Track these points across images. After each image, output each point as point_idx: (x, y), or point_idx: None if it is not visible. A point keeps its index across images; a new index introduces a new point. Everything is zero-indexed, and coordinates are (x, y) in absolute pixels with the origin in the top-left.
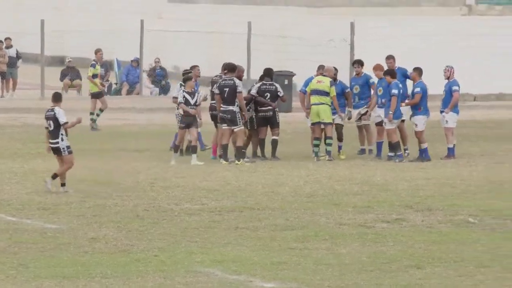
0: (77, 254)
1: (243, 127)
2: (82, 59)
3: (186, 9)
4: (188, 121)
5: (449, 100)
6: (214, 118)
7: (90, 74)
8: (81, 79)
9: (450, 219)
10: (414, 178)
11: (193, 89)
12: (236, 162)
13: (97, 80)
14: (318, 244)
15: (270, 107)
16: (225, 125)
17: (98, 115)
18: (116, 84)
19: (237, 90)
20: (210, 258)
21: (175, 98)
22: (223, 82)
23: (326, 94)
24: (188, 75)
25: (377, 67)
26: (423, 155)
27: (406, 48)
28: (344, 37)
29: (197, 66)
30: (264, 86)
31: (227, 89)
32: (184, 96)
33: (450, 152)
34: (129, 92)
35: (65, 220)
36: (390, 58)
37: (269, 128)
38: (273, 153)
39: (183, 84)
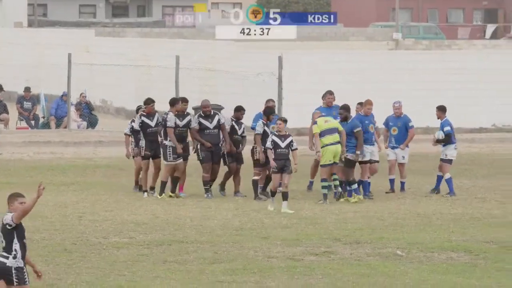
0: None
1: (180, 161)
2: (8, 92)
3: (113, 42)
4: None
5: (404, 136)
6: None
7: None
8: (8, 113)
9: (378, 252)
10: (342, 211)
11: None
12: (157, 196)
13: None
14: (247, 277)
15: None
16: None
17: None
18: (43, 117)
19: (167, 125)
20: None
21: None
22: (164, 116)
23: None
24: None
25: (369, 102)
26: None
27: (334, 82)
28: (273, 71)
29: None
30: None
31: (163, 124)
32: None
33: (403, 186)
34: (57, 126)
35: None
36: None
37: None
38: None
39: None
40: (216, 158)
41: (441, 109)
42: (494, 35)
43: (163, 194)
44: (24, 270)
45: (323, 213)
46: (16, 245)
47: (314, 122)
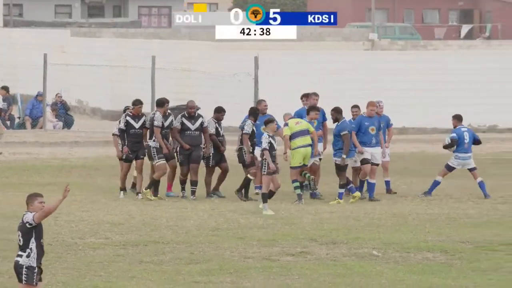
0: None
1: (162, 162)
2: None
3: (89, 43)
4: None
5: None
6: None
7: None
8: None
9: (354, 252)
10: (319, 211)
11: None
12: (144, 192)
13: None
14: (223, 278)
15: (238, 147)
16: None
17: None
18: (19, 118)
19: (154, 124)
20: None
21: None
22: (152, 115)
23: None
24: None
25: (371, 104)
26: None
27: (311, 82)
28: (249, 71)
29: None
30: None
31: (149, 123)
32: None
33: (388, 186)
34: (33, 126)
35: None
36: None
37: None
38: (244, 193)
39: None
40: (195, 159)
41: (456, 118)
42: (470, 36)
43: (154, 197)
44: (35, 270)
45: (299, 214)
46: (32, 244)
47: (285, 124)
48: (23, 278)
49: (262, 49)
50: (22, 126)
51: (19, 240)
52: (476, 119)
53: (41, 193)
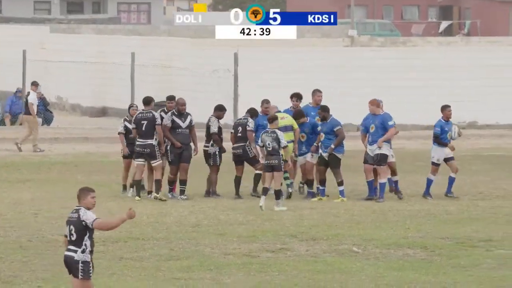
0: None
1: (161, 161)
2: None
3: (69, 39)
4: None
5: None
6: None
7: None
8: None
9: (334, 248)
10: (299, 207)
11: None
12: (155, 195)
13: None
14: (203, 274)
15: (239, 144)
16: (141, 160)
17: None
18: None
19: (156, 123)
20: None
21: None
22: (140, 115)
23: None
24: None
25: (373, 102)
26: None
27: (290, 79)
28: (228, 68)
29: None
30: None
31: (145, 122)
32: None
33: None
34: (12, 123)
35: None
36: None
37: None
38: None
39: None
40: (186, 158)
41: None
42: (449, 32)
43: (157, 194)
44: (91, 264)
45: (279, 210)
46: (87, 241)
47: None
48: (80, 274)
49: (242, 46)
50: (1, 122)
51: (72, 234)
52: (456, 115)
53: (93, 188)
